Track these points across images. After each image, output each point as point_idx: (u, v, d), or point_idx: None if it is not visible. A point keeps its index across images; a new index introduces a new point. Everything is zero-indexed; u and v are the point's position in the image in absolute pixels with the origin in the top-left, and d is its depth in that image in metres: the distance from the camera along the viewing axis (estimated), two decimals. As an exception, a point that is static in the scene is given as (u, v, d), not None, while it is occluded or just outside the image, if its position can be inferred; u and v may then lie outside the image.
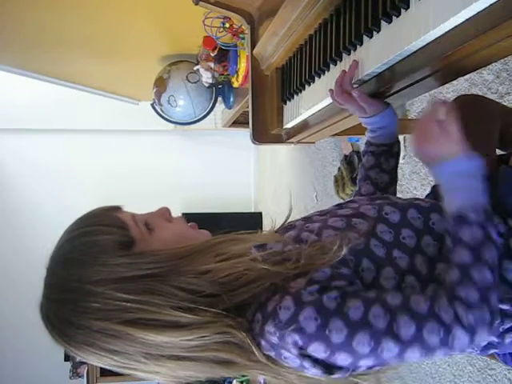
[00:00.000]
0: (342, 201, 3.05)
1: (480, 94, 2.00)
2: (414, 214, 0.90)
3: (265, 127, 1.66)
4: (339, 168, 3.38)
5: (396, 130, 1.11)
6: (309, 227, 0.93)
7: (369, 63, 1.04)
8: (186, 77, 3.16)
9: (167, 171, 5.37)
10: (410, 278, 0.84)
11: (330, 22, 1.22)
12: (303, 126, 1.50)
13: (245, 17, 1.70)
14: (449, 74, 0.89)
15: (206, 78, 2.89)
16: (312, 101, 1.36)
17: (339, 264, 0.82)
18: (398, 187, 1.17)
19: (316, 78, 1.33)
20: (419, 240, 0.87)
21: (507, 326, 0.88)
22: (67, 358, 4.58)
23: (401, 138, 1.17)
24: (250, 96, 1.67)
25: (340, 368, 0.78)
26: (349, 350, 0.75)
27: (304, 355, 0.77)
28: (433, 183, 1.29)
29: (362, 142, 2.98)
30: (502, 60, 1.87)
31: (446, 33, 0.81)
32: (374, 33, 1.01)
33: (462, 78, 1.17)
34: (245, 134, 2.17)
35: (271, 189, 5.20)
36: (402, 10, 0.91)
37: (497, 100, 1.92)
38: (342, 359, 0.76)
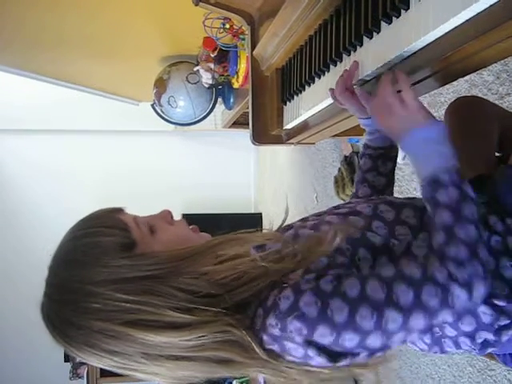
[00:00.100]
0: (342, 202, 3.05)
1: (480, 94, 2.00)
2: (408, 212, 0.92)
3: (265, 128, 1.67)
4: (339, 169, 3.38)
5: None
6: (306, 225, 0.95)
7: (369, 64, 1.04)
8: (186, 78, 3.16)
9: (167, 172, 5.37)
10: None
11: (330, 23, 1.22)
12: (303, 127, 1.50)
13: (245, 18, 1.70)
14: (449, 74, 0.89)
15: (206, 78, 2.89)
16: (312, 101, 1.36)
17: (336, 253, 0.83)
18: (397, 188, 1.17)
19: (316, 79, 1.33)
20: (415, 237, 0.88)
21: (503, 323, 0.89)
22: (67, 358, 4.58)
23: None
24: (250, 97, 1.67)
25: (344, 355, 0.79)
26: (354, 327, 0.76)
27: (309, 343, 0.77)
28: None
29: (362, 143, 2.99)
30: (502, 61, 1.87)
31: (446, 34, 0.81)
32: (374, 34, 1.01)
33: (462, 78, 1.17)
34: (245, 134, 2.17)
35: (271, 190, 5.20)
36: (402, 11, 0.91)
37: (497, 101, 1.92)
38: (350, 339, 0.76)
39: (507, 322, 0.88)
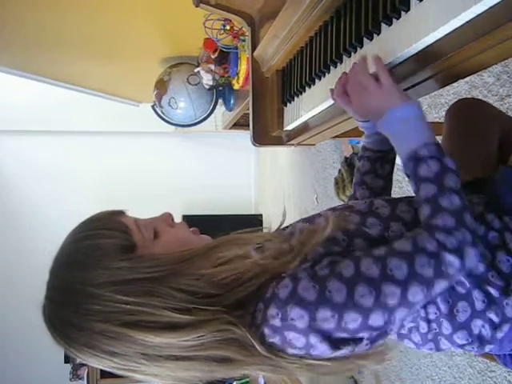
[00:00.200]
0: (342, 203, 3.04)
1: (480, 96, 2.00)
2: (403, 207, 0.93)
3: (265, 129, 1.66)
4: (340, 170, 3.38)
5: None
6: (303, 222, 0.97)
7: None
8: (187, 79, 3.17)
9: (168, 173, 5.36)
10: None
11: (330, 25, 1.22)
12: (304, 128, 1.50)
13: (245, 19, 1.70)
14: (449, 76, 0.89)
15: (207, 80, 2.89)
16: (312, 103, 1.36)
17: (331, 244, 0.85)
18: (397, 189, 1.18)
19: (316, 80, 1.33)
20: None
21: (495, 319, 0.89)
22: (67, 359, 4.57)
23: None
24: (250, 98, 1.67)
25: (347, 342, 0.79)
26: (354, 306, 0.77)
27: (312, 328, 0.77)
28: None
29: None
30: (503, 62, 1.87)
31: (446, 35, 0.81)
32: (375, 35, 1.01)
33: (462, 80, 1.17)
34: (245, 136, 2.17)
35: (271, 191, 5.20)
36: (402, 13, 0.91)
37: (497, 102, 1.92)
38: (352, 320, 0.77)
39: (498, 319, 0.89)
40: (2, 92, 4.76)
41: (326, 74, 1.27)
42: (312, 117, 1.41)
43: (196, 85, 3.16)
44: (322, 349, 0.80)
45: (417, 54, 0.90)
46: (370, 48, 1.03)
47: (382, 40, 0.98)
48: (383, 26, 0.97)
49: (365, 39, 1.04)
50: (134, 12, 2.54)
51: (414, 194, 0.89)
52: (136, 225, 0.86)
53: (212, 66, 2.78)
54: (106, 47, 3.03)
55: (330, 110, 1.29)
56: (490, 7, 0.71)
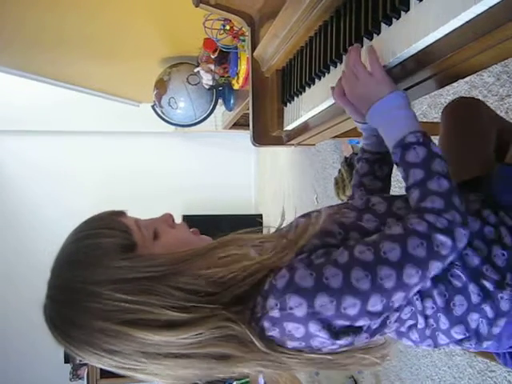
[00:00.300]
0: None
1: (480, 96, 2.00)
2: (400, 204, 0.94)
3: (265, 129, 1.66)
4: (339, 170, 3.38)
5: None
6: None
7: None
8: (187, 79, 3.17)
9: (168, 173, 5.37)
10: None
11: (330, 24, 1.22)
12: (303, 128, 1.50)
13: (245, 19, 1.70)
14: (449, 76, 0.89)
15: (207, 80, 2.89)
16: (312, 103, 1.36)
17: (327, 237, 0.87)
18: (398, 189, 1.18)
19: (316, 80, 1.33)
20: None
21: (489, 313, 0.89)
22: (67, 359, 4.57)
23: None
24: (250, 98, 1.66)
25: (346, 332, 0.80)
26: (352, 290, 0.78)
27: (311, 315, 0.78)
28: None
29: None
30: (503, 62, 1.87)
31: (446, 35, 0.81)
32: (375, 35, 1.01)
33: (462, 80, 1.17)
34: (245, 135, 2.17)
35: (271, 191, 5.20)
36: (402, 13, 0.91)
37: (497, 102, 1.93)
38: (351, 305, 0.78)
39: (493, 314, 0.89)
40: (2, 92, 4.76)
41: (326, 74, 1.27)
42: (312, 117, 1.41)
43: (196, 85, 3.17)
44: (321, 338, 0.80)
45: (416, 53, 0.90)
46: (370, 48, 1.03)
47: (382, 40, 0.98)
48: (383, 25, 0.97)
49: (365, 39, 1.04)
50: (134, 12, 2.54)
51: None
52: (136, 225, 0.87)
53: (212, 66, 2.78)
54: (106, 47, 3.02)
55: (330, 110, 1.29)
56: (490, 7, 0.71)
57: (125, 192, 4.71)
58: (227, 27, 2.32)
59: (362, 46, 1.06)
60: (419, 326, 0.91)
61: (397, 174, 1.17)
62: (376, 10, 0.98)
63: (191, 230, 0.94)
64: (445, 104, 1.40)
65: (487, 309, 0.89)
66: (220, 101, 3.40)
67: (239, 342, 0.81)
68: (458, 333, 0.90)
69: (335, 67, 1.21)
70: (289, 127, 1.58)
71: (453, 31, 0.79)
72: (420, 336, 0.92)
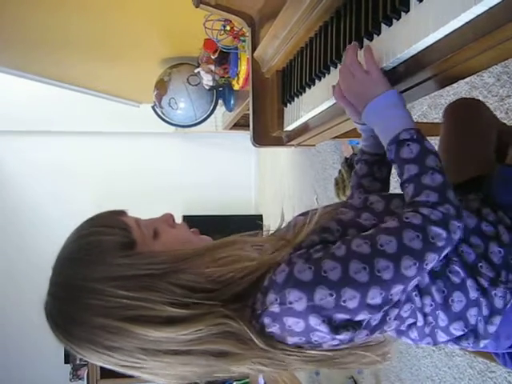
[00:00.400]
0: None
1: (480, 96, 2.00)
2: (398, 202, 0.94)
3: (265, 130, 1.66)
4: (340, 171, 3.38)
5: None
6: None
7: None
8: (187, 79, 3.17)
9: (168, 174, 5.37)
10: None
11: (330, 25, 1.22)
12: (304, 129, 1.50)
13: (246, 19, 1.70)
14: (449, 77, 0.89)
15: (207, 80, 2.89)
16: (312, 103, 1.36)
17: (326, 233, 0.87)
18: (398, 190, 1.18)
19: (316, 81, 1.33)
20: None
21: (484, 308, 0.90)
22: (67, 360, 4.58)
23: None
24: (250, 98, 1.67)
25: (346, 327, 0.81)
26: (350, 283, 0.79)
27: (310, 310, 0.78)
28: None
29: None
30: (503, 63, 1.87)
31: (446, 36, 0.81)
32: (375, 36, 1.01)
33: (462, 80, 1.18)
34: (245, 136, 2.17)
35: (272, 191, 5.20)
36: (402, 14, 0.91)
37: (497, 103, 1.93)
38: (350, 298, 0.78)
39: (488, 311, 0.90)
40: (4, 92, 4.76)
41: (326, 75, 1.27)
42: (312, 117, 1.41)
43: (196, 85, 3.17)
44: (321, 333, 0.81)
45: (416, 54, 0.90)
46: (370, 48, 1.03)
47: (382, 40, 0.98)
48: (383, 26, 0.97)
49: (365, 40, 1.04)
50: (135, 13, 2.54)
51: None
52: (136, 223, 0.88)
53: (212, 67, 2.78)
54: (107, 48, 3.03)
55: (330, 111, 1.29)
56: (490, 8, 0.71)
57: (125, 192, 4.71)
58: (227, 28, 2.32)
59: (362, 47, 1.06)
60: (418, 324, 0.91)
61: (396, 174, 1.17)
62: (376, 10, 0.98)
63: (191, 230, 0.95)
64: (445, 105, 1.41)
65: (484, 304, 0.90)
66: (220, 101, 3.40)
67: (237, 339, 0.81)
68: (456, 329, 0.91)
69: (335, 68, 1.21)
70: (289, 128, 1.58)
71: (453, 32, 0.79)
72: (419, 334, 0.93)
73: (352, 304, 0.79)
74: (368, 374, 3.05)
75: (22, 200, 5.08)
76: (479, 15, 0.74)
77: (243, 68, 2.53)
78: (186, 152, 5.49)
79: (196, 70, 2.95)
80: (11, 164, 5.14)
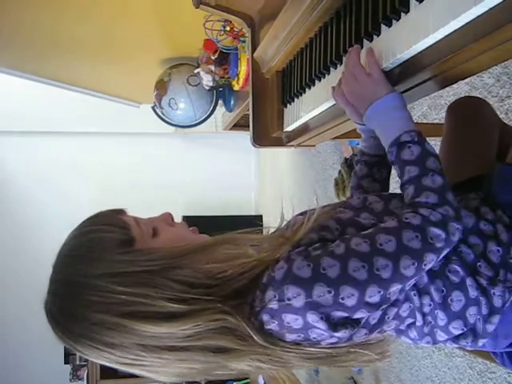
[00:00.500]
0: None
1: (480, 97, 2.00)
2: (397, 203, 0.95)
3: (265, 130, 1.66)
4: (340, 171, 3.38)
5: None
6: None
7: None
8: (187, 80, 3.17)
9: (168, 174, 5.37)
10: None
11: (330, 26, 1.22)
12: (304, 129, 1.50)
13: (245, 20, 1.70)
14: (449, 77, 0.89)
15: (207, 80, 2.90)
16: (312, 104, 1.36)
17: (325, 232, 0.88)
18: (398, 190, 1.18)
19: (316, 82, 1.33)
20: None
21: (483, 308, 0.90)
22: (67, 360, 4.57)
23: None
24: (250, 99, 1.67)
25: (344, 324, 0.81)
26: (349, 280, 0.79)
27: (309, 307, 0.79)
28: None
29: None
30: (503, 64, 1.87)
31: (446, 36, 0.81)
32: (374, 36, 1.01)
33: (462, 81, 1.18)
34: (245, 136, 2.17)
35: (272, 192, 5.20)
36: (402, 14, 0.91)
37: (497, 103, 1.93)
38: (349, 295, 0.79)
39: (487, 310, 0.91)
40: (4, 93, 4.76)
41: (326, 76, 1.27)
42: (312, 118, 1.41)
43: (196, 86, 3.17)
44: (319, 330, 0.81)
45: (416, 55, 0.90)
46: (370, 49, 1.03)
47: (382, 41, 0.98)
48: (383, 27, 0.97)
49: (365, 40, 1.04)
50: (135, 13, 2.54)
51: None
52: (135, 221, 0.89)
53: (212, 67, 2.79)
54: (107, 49, 3.03)
55: (330, 111, 1.29)
56: (490, 8, 0.71)
57: (125, 192, 4.71)
58: (227, 28, 2.33)
59: (362, 48, 1.06)
60: (417, 324, 0.92)
61: (396, 174, 1.17)
62: (376, 11, 0.98)
63: (190, 228, 0.96)
64: (445, 105, 1.41)
65: (483, 303, 0.90)
66: (220, 102, 3.40)
67: (236, 336, 0.82)
68: (456, 328, 0.91)
69: (335, 68, 1.21)
70: (289, 128, 1.58)
71: (453, 33, 0.79)
72: (418, 333, 0.93)
73: (350, 302, 0.79)
74: (368, 374, 3.05)
75: (22, 200, 5.08)
76: (479, 16, 0.74)
77: (243, 68, 2.53)
78: (185, 152, 5.49)
79: (196, 71, 2.95)
80: (12, 164, 5.14)
